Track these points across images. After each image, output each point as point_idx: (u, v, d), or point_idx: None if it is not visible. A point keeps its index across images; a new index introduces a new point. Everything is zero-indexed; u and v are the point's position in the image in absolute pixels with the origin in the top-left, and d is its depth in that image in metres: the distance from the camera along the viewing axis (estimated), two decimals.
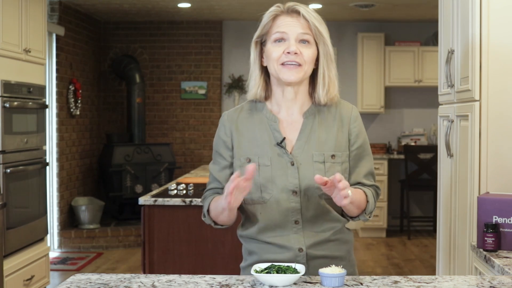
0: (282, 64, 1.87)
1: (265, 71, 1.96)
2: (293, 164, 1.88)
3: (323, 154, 1.89)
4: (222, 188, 1.95)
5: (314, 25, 1.87)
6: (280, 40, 1.88)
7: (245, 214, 1.97)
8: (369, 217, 1.94)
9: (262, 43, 1.94)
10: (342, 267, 1.72)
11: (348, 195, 1.71)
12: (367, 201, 1.91)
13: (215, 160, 2.00)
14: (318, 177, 1.71)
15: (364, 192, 1.91)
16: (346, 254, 1.97)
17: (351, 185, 1.93)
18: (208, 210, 1.96)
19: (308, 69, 1.89)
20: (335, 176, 1.70)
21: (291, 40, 1.86)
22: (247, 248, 1.98)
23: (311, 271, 1.88)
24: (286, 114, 1.94)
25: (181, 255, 3.42)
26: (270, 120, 1.93)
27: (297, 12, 1.88)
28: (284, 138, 1.90)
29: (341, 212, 1.95)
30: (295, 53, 1.85)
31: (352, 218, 1.95)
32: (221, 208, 1.84)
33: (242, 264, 2.02)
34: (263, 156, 1.90)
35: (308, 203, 1.87)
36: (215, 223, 1.97)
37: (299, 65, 1.87)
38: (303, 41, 1.87)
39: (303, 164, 1.88)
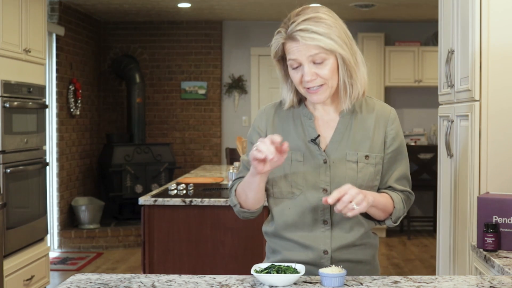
0: (305, 88, 1.84)
1: None
2: (325, 162, 1.87)
3: (357, 154, 1.88)
4: None
5: (319, 47, 1.78)
6: (296, 66, 1.83)
7: (273, 209, 1.95)
8: (395, 222, 1.92)
9: (283, 57, 1.90)
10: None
11: (353, 209, 1.71)
12: (394, 206, 1.89)
13: (249, 151, 1.98)
14: (325, 199, 1.73)
15: (391, 196, 1.90)
16: (371, 259, 1.96)
17: (382, 188, 1.93)
18: (235, 192, 1.94)
19: (332, 83, 1.84)
20: (327, 199, 1.72)
21: (305, 67, 1.80)
22: (270, 246, 1.98)
23: None
24: (323, 113, 1.94)
25: (181, 255, 3.42)
26: (306, 116, 1.93)
27: (298, 40, 1.79)
28: (318, 135, 1.89)
29: (367, 214, 1.93)
30: (312, 79, 1.81)
31: (379, 222, 1.94)
32: (248, 178, 1.83)
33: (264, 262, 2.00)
34: (296, 152, 1.89)
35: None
36: (241, 207, 1.93)
37: (322, 85, 1.83)
38: (317, 60, 1.81)
39: (335, 163, 1.87)
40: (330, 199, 1.71)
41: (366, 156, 1.89)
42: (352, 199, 1.71)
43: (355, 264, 1.89)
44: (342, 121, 1.91)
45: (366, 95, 1.95)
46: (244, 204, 1.92)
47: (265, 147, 1.71)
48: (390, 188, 1.94)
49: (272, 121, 1.97)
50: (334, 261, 1.87)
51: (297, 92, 1.94)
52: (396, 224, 1.93)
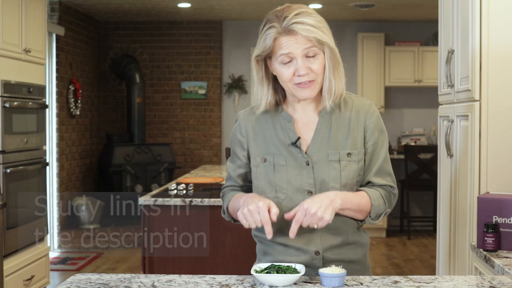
0: (296, 84, 1.83)
1: (273, 79, 1.91)
2: (308, 164, 1.87)
3: (339, 153, 1.87)
4: (238, 186, 2.00)
5: (315, 39, 1.80)
6: (287, 61, 1.82)
7: None
8: (376, 220, 1.90)
9: (265, 57, 1.88)
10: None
11: (314, 227, 1.76)
12: (372, 204, 1.87)
13: (232, 158, 2.02)
14: (287, 217, 1.78)
15: (368, 194, 1.88)
16: (362, 258, 1.95)
17: (363, 185, 1.92)
18: (227, 207, 1.98)
19: (320, 79, 1.85)
20: (286, 216, 1.78)
21: (299, 60, 1.80)
22: (262, 248, 1.97)
23: None
24: (302, 115, 1.92)
25: (181, 255, 3.42)
26: (285, 120, 1.92)
27: (295, 32, 1.80)
28: (298, 138, 1.89)
29: None
30: (306, 73, 1.82)
31: (361, 221, 1.92)
32: (238, 211, 1.85)
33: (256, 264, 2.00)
34: (278, 156, 1.89)
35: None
36: (234, 220, 1.98)
37: (313, 80, 1.83)
38: (310, 54, 1.82)
39: (318, 164, 1.87)
40: (292, 234, 1.76)
41: (349, 154, 1.88)
42: (305, 213, 1.74)
43: (346, 264, 1.88)
44: (321, 122, 1.91)
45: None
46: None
47: (257, 219, 1.76)
48: (369, 183, 1.92)
49: (252, 127, 1.95)
50: (326, 262, 1.87)
51: (274, 94, 1.93)
52: (376, 222, 1.91)
